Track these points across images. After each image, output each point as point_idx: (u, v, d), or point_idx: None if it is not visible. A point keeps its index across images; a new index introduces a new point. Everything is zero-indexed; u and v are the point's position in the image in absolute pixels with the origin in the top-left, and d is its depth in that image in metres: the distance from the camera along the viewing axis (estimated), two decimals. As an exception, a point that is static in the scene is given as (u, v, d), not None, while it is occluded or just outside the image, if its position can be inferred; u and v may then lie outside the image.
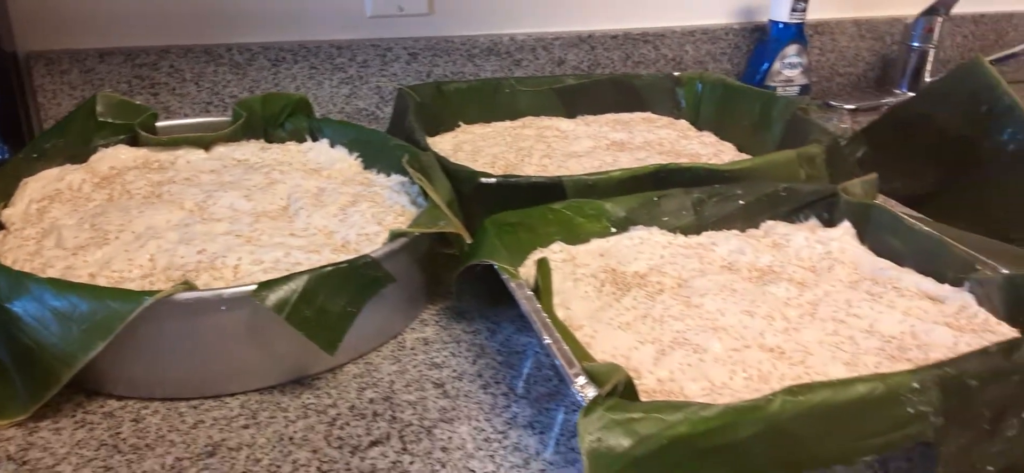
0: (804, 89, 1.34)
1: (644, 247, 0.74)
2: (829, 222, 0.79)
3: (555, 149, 1.02)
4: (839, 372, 0.56)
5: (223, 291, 0.54)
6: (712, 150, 1.03)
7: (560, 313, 0.63)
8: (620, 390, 0.47)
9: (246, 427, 0.55)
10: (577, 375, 0.50)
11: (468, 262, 0.65)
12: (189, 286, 0.54)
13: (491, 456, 0.53)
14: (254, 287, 0.54)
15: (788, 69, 1.32)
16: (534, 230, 0.73)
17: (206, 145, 0.88)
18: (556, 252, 0.73)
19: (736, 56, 1.38)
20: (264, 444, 0.53)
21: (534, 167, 0.94)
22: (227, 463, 0.52)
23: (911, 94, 1.43)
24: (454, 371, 0.62)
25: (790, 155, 0.85)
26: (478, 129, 1.09)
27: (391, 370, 0.62)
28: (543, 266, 0.64)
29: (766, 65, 1.32)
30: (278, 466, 0.51)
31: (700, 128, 1.14)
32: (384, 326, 0.65)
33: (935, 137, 1.19)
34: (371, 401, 0.58)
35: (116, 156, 0.84)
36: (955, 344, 0.59)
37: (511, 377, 0.62)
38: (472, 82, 1.12)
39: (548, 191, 0.77)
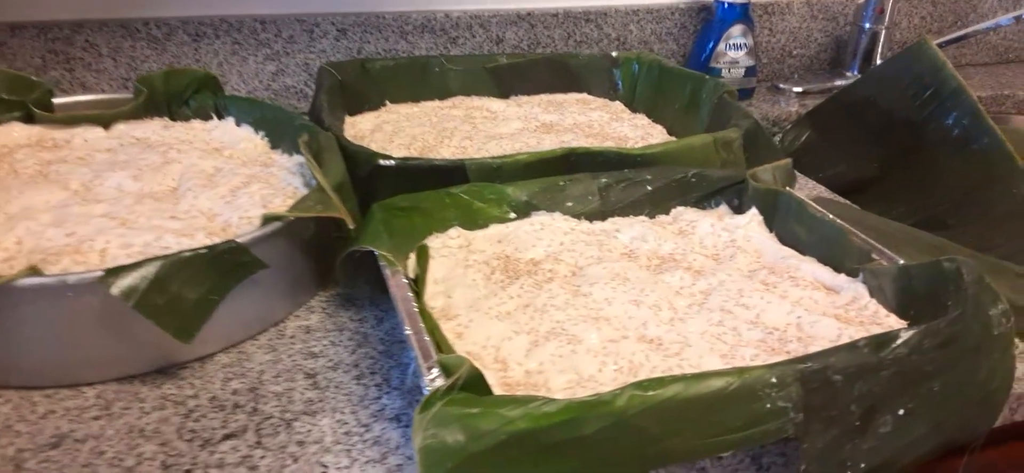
0: (750, 71, 1.33)
1: (544, 233, 0.73)
2: (739, 209, 0.79)
3: (480, 130, 1.01)
4: (713, 365, 0.56)
5: (68, 277, 0.53)
6: (641, 133, 1.02)
7: (439, 301, 0.62)
8: (461, 383, 0.46)
9: (97, 418, 0.54)
10: (430, 368, 0.49)
11: (349, 249, 0.64)
12: (35, 271, 0.53)
13: (348, 450, 0.52)
14: (101, 273, 0.53)
15: (733, 50, 1.31)
16: (430, 215, 0.72)
17: (106, 123, 0.87)
18: (452, 238, 0.72)
19: (682, 36, 1.37)
20: (112, 436, 0.53)
21: (453, 149, 0.93)
22: (69, 455, 0.51)
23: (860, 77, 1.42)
24: (330, 361, 0.62)
25: (706, 140, 0.85)
26: (404, 109, 1.08)
27: (264, 359, 0.61)
28: (422, 253, 0.63)
29: (711, 46, 1.31)
30: (122, 459, 0.51)
31: (635, 110, 1.13)
32: (262, 313, 0.64)
33: (880, 121, 1.19)
34: (235, 392, 0.57)
35: (8, 134, 0.82)
36: (838, 336, 0.59)
37: (389, 367, 0.61)
38: (400, 59, 1.11)
39: (450, 174, 0.76)
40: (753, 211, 0.76)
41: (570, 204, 0.77)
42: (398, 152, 0.90)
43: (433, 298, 0.62)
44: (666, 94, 1.09)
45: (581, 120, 1.06)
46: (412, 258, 0.67)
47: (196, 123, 0.89)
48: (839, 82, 1.42)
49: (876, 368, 0.51)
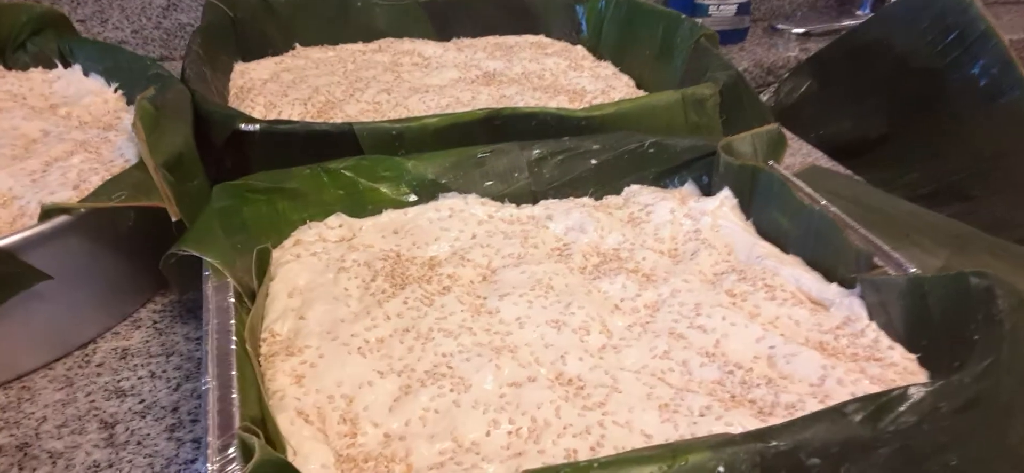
0: (742, 8, 1.17)
1: (452, 223, 0.58)
2: (710, 190, 0.64)
3: (404, 82, 0.85)
4: (647, 421, 0.42)
5: None
6: (602, 86, 0.87)
7: (287, 325, 0.47)
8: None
9: None
10: (223, 448, 0.35)
11: (173, 250, 0.48)
12: None
13: (127, 547, 0.38)
14: None
15: (722, -16, 1.14)
16: (301, 198, 0.58)
17: (-83, 72, 0.71)
18: (332, 228, 0.57)
19: (665, -34, 1.20)
20: None
21: (362, 106, 0.78)
22: None
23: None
24: (141, 401, 0.48)
25: (671, 98, 0.69)
26: (316, 53, 0.92)
27: (52, 400, 0.47)
28: (261, 258, 0.48)
29: (696, -22, 1.14)
30: None
31: (600, 56, 0.97)
32: (56, 334, 0.50)
33: (893, 69, 1.04)
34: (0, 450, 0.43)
35: None
36: (822, 378, 0.45)
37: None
38: (313, -7, 0.95)
39: (335, 143, 0.61)
40: (725, 193, 0.62)
41: (490, 183, 0.62)
42: (290, 110, 0.75)
43: (279, 320, 0.47)
44: (636, 37, 0.93)
45: (532, 68, 0.91)
46: (273, 264, 0.53)
47: (35, 73, 0.74)
48: (847, 22, 1.26)
49: (871, 445, 0.37)
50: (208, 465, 0.34)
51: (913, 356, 0.47)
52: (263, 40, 0.90)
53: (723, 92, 0.73)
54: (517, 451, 0.40)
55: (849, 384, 0.44)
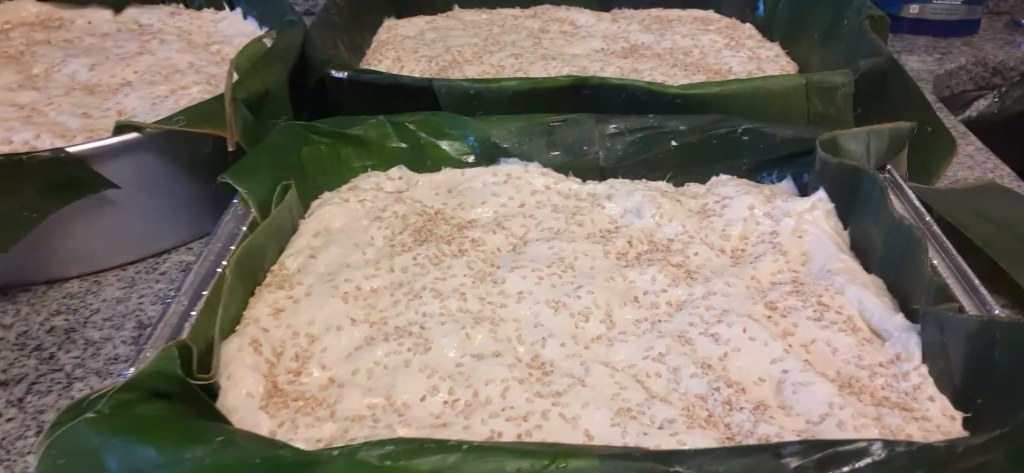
0: (975, -6, 1.00)
1: (505, 188, 0.58)
2: (808, 190, 0.57)
3: (541, 48, 0.85)
4: (596, 422, 0.39)
5: None
6: (753, 68, 0.80)
7: (298, 261, 0.50)
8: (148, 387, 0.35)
9: None
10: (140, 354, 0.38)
11: (222, 177, 0.53)
12: None
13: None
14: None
15: (951, -35, 0.99)
16: (365, 147, 0.60)
17: (118, 6, 0.84)
18: (392, 179, 0.59)
19: (884, -58, 1.07)
20: None
21: (484, 68, 0.79)
22: None
23: None
24: (178, 310, 0.53)
25: (791, 81, 0.62)
26: (470, 15, 0.95)
27: (112, 296, 0.55)
28: (281, 194, 0.51)
29: (916, -43, 1.01)
30: None
31: (773, 36, 0.89)
32: (132, 240, 0.57)
33: None
34: (51, 331, 0.51)
35: (18, 10, 0.82)
36: (822, 418, 0.38)
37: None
38: (479, -46, 0.97)
39: (418, 96, 0.63)
40: (819, 195, 0.54)
41: (558, 153, 0.60)
42: (413, 66, 0.78)
43: (293, 256, 0.50)
44: (807, 18, 0.84)
45: (683, 44, 0.86)
46: (316, 204, 0.56)
47: (206, 13, 0.84)
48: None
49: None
50: (131, 369, 0.37)
51: (957, 415, 0.38)
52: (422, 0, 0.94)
53: (871, 82, 0.64)
54: (443, 422, 0.39)
55: (852, 430, 0.37)
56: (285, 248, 0.51)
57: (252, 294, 0.47)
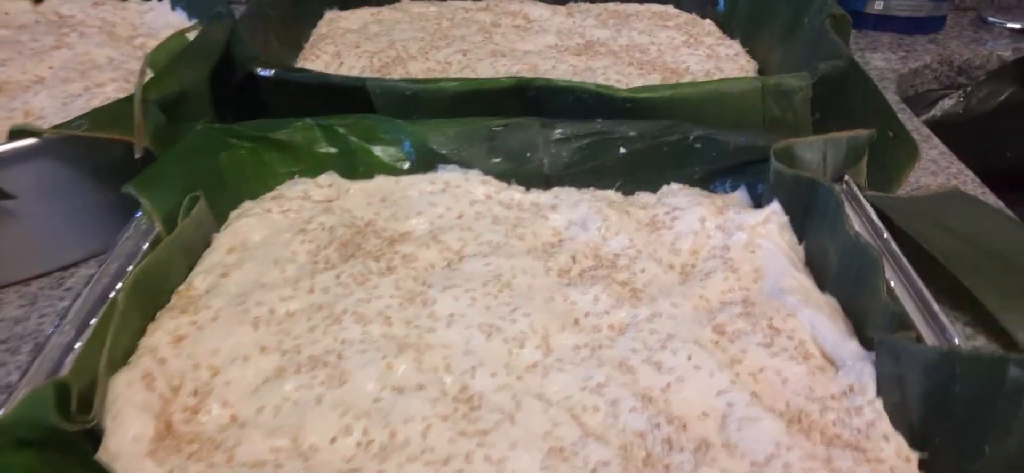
0: (940, -9, 0.99)
1: (443, 198, 0.54)
2: (761, 199, 0.54)
3: (491, 44, 0.81)
4: (524, 467, 0.36)
5: None
6: (711, 68, 0.77)
7: (208, 280, 0.46)
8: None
9: None
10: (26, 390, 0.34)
11: (125, 188, 0.48)
12: None
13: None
14: None
15: (916, -40, 0.97)
16: (292, 152, 0.56)
17: (37, -5, 0.79)
18: (320, 187, 0.56)
19: (849, -64, 1.05)
20: None
21: (430, 65, 0.75)
22: None
23: None
24: (81, 333, 0.49)
25: (746, 85, 0.59)
26: (418, 7, 0.90)
27: (10, 315, 0.50)
28: (188, 207, 0.47)
29: (881, -49, 0.98)
30: None
31: (733, 33, 0.87)
32: (33, 254, 0.53)
33: None
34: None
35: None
36: (768, 459, 0.36)
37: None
38: (427, -56, 0.93)
39: (351, 98, 0.59)
40: (773, 207, 0.52)
41: (499, 160, 0.57)
42: (354, 63, 0.74)
43: (203, 274, 0.46)
44: (767, 13, 0.82)
45: (640, 41, 0.83)
46: (234, 215, 0.52)
47: (132, 3, 0.79)
48: (1091, 19, 1.03)
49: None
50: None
51: (913, 455, 0.36)
52: (370, -11, 0.90)
53: (830, 85, 0.61)
54: (354, 467, 0.36)
55: (800, 473, 0.34)
56: (196, 265, 0.47)
57: (152, 319, 0.43)
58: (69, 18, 0.77)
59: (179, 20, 0.76)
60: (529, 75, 0.73)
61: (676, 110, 0.59)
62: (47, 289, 0.53)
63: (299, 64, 0.74)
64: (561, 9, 0.91)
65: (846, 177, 0.53)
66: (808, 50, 0.71)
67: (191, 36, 0.63)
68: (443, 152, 0.57)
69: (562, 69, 0.75)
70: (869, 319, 0.43)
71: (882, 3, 1.00)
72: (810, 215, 0.50)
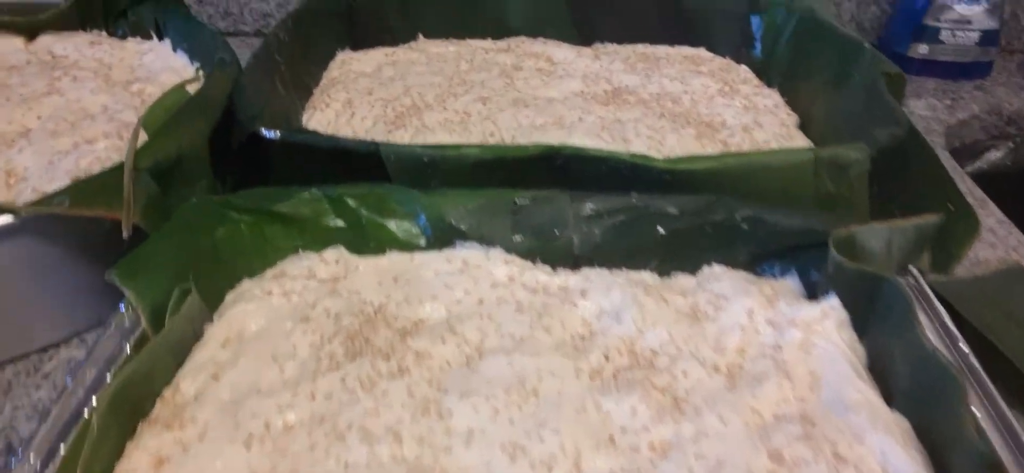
0: (987, 37, 0.93)
1: (461, 279, 0.49)
2: (816, 293, 0.49)
3: (513, 90, 0.77)
4: None
5: None
6: (749, 121, 0.72)
7: (196, 382, 0.41)
8: None
9: None
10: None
11: (108, 276, 0.44)
12: None
13: None
14: None
15: (964, 2, 0.92)
16: (297, 226, 0.52)
17: (33, 33, 0.75)
18: (328, 262, 0.51)
19: (891, -26, 1.00)
20: None
21: (448, 115, 0.70)
22: None
23: None
24: (57, 431, 0.44)
25: (798, 157, 0.54)
26: (436, 47, 0.86)
27: (-26, 409, 0.45)
28: (177, 302, 0.42)
29: (928, -8, 0.93)
30: None
31: (771, 81, 0.82)
32: (7, 335, 0.48)
33: None
34: None
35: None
36: None
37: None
38: (444, -21, 0.88)
39: (364, 163, 0.54)
40: (831, 302, 0.46)
41: (521, 238, 0.52)
42: (367, 111, 0.70)
43: (193, 375, 0.41)
44: (810, 64, 0.77)
45: (672, 89, 0.78)
46: (231, 297, 0.47)
47: (130, 43, 0.75)
48: None
49: None
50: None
51: None
52: (382, 28, 0.86)
53: (888, 156, 0.56)
54: None
55: None
56: (185, 362, 0.43)
57: (132, 434, 0.38)
58: (63, 59, 0.73)
59: (180, 63, 0.71)
60: (555, 127, 0.68)
61: (719, 183, 0.54)
62: (23, 375, 0.48)
63: (308, 111, 0.69)
64: (586, 51, 0.86)
65: (912, 268, 0.48)
66: (856, 106, 0.66)
67: (193, 88, 0.59)
68: (462, 227, 0.52)
69: (590, 122, 0.70)
70: (948, 452, 0.37)
71: (927, 47, 0.94)
72: (873, 312, 0.45)
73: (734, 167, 0.54)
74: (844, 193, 0.55)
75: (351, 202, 0.52)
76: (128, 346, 0.40)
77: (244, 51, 0.92)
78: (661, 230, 0.51)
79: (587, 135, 0.67)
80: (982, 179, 0.80)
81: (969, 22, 0.93)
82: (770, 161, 0.55)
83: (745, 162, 0.54)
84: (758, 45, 0.86)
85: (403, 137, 0.66)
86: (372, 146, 0.54)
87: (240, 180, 0.56)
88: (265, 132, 0.55)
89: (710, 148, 0.68)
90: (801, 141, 0.69)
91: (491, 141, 0.67)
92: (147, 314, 0.41)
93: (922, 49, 0.95)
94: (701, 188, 0.53)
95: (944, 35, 0.93)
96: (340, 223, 0.52)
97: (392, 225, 0.52)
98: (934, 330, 0.43)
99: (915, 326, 0.41)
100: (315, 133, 0.55)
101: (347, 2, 0.82)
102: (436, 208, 0.52)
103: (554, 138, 0.66)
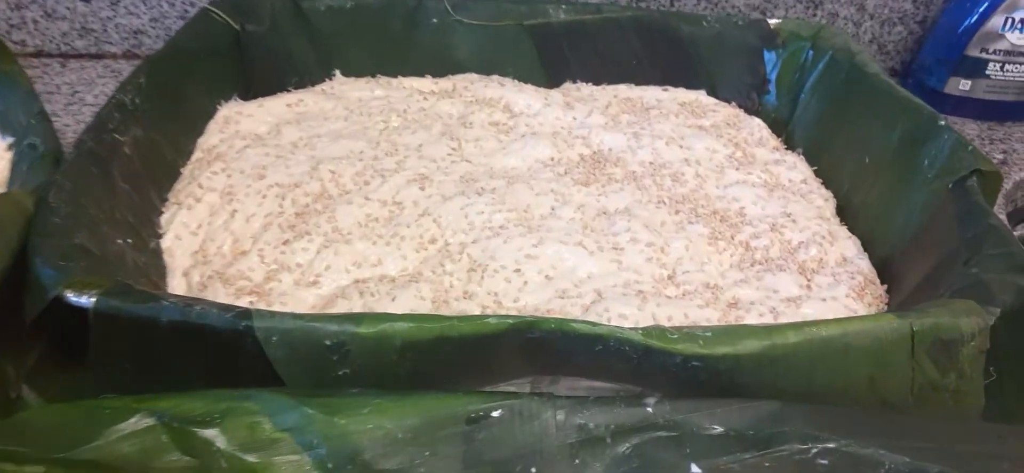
0: (1045, 73, 0.78)
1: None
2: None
3: (461, 159, 0.58)
4: None
5: None
6: (780, 211, 0.55)
7: None
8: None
9: None
10: None
11: None
12: None
13: None
14: None
15: (1018, 30, 0.77)
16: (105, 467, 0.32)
17: None
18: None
19: (923, -8, 0.84)
20: None
21: (369, 210, 0.52)
22: None
23: None
24: None
25: (883, 328, 0.37)
26: (358, 90, 0.67)
27: None
28: None
29: (972, 19, 0.77)
30: None
31: (794, 141, 0.65)
32: None
33: None
34: None
35: None
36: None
37: None
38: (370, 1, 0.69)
39: (235, 349, 0.35)
40: None
41: (480, 481, 0.34)
42: (253, 207, 0.51)
43: None
44: (854, 127, 0.60)
45: (668, 157, 0.61)
46: None
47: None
48: None
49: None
50: None
51: None
52: (288, 65, 0.66)
53: (1005, 321, 0.39)
54: None
55: None
56: None
57: None
58: None
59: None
60: (519, 229, 0.51)
61: (772, 374, 0.36)
62: None
63: (169, 210, 0.50)
64: (555, 95, 0.68)
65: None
66: (927, 210, 0.50)
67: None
68: (385, 467, 0.33)
69: (566, 219, 0.52)
70: None
71: (969, 83, 0.79)
72: None
73: (794, 350, 0.37)
74: (950, 383, 0.38)
75: (205, 433, 0.33)
76: None
77: (111, 82, 0.73)
78: (696, 468, 0.34)
79: (564, 242, 0.49)
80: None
81: (1023, 54, 0.77)
82: (846, 339, 0.37)
83: (809, 339, 0.37)
84: (772, 90, 0.69)
85: (306, 254, 0.47)
86: (238, 325, 0.35)
87: (39, 363, 0.37)
88: (72, 298, 0.36)
89: (728, 254, 0.51)
90: (848, 243, 0.53)
91: (432, 249, 0.50)
92: None
93: (963, 85, 0.79)
94: (746, 385, 0.36)
95: (991, 68, 0.78)
96: (187, 464, 0.33)
97: (273, 465, 0.33)
98: None
99: None
100: (151, 301, 0.36)
101: (234, 32, 0.62)
102: (340, 433, 0.33)
103: (517, 248, 0.49)
